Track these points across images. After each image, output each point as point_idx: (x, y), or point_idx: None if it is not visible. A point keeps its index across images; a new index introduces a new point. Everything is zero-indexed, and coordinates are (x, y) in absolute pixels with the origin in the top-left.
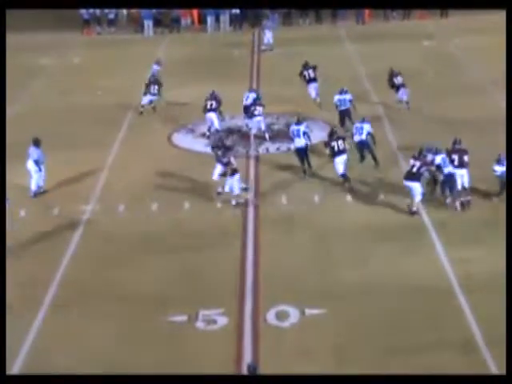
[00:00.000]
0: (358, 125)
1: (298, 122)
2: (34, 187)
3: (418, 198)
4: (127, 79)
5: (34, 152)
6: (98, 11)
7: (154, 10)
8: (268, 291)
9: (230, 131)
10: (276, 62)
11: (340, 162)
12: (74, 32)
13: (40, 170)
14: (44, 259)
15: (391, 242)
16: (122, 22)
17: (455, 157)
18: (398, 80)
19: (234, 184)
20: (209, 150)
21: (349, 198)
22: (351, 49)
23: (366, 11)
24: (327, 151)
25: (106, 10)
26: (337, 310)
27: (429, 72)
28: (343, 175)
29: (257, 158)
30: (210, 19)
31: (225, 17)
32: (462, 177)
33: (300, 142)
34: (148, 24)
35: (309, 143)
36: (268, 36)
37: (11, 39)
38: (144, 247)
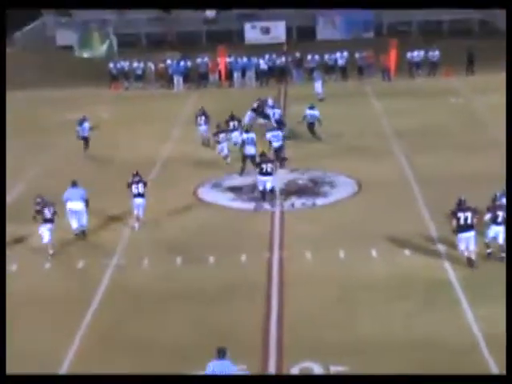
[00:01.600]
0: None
1: (248, 131)
2: (76, 225)
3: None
4: (154, 133)
5: (76, 192)
6: (126, 66)
7: (182, 66)
8: (292, 347)
9: (255, 186)
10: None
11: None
12: (102, 87)
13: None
14: (69, 310)
15: (415, 297)
16: (149, 77)
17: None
18: None
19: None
20: (234, 204)
21: (374, 252)
22: (377, 105)
23: (392, 68)
24: None
25: (135, 65)
26: (361, 367)
27: (456, 128)
28: None
29: (282, 213)
30: (236, 75)
31: (251, 72)
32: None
33: (250, 150)
34: (178, 79)
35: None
36: (317, 86)
37: (42, 94)
38: (167, 301)
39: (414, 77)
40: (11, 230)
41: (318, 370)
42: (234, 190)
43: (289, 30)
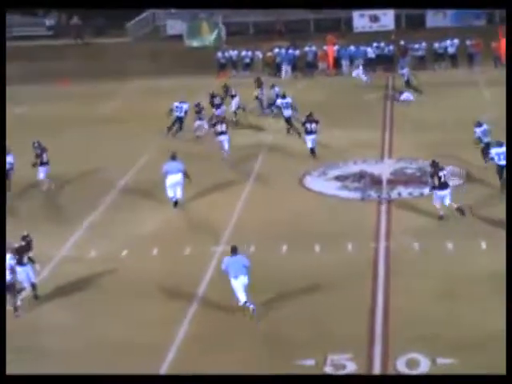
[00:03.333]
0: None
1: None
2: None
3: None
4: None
5: (175, 165)
6: (234, 55)
7: (290, 54)
8: (398, 337)
9: (361, 175)
10: (409, 107)
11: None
12: (209, 76)
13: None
14: (172, 299)
15: None
16: (257, 65)
17: None
18: None
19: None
20: (340, 193)
21: (483, 244)
22: (487, 93)
23: (503, 53)
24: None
25: (243, 54)
26: (469, 360)
27: None
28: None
29: (389, 203)
30: (344, 63)
31: (358, 61)
32: None
33: (287, 113)
34: (286, 68)
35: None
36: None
37: (151, 83)
38: (276, 289)
39: None
40: (122, 216)
41: (424, 361)
42: (340, 178)
43: (398, 18)
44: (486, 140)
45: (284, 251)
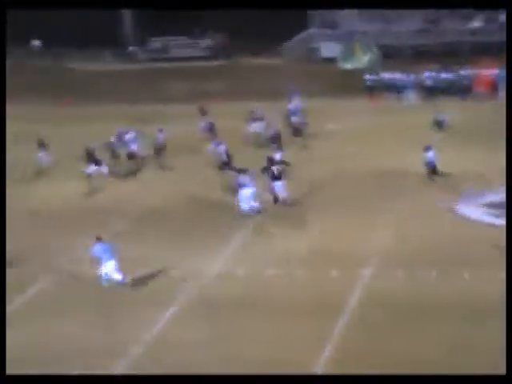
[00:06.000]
0: None
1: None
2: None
3: None
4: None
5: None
6: (386, 78)
7: (442, 78)
8: None
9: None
10: None
11: None
12: (360, 99)
13: None
14: (317, 320)
15: None
16: (408, 88)
17: None
18: None
19: None
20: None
21: None
22: None
23: None
24: None
25: (396, 77)
26: None
27: None
28: None
29: None
30: (500, 87)
31: None
32: None
33: None
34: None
35: None
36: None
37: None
38: (418, 315)
39: None
40: (269, 235)
41: None
42: (494, 206)
43: None
44: None
45: (433, 277)
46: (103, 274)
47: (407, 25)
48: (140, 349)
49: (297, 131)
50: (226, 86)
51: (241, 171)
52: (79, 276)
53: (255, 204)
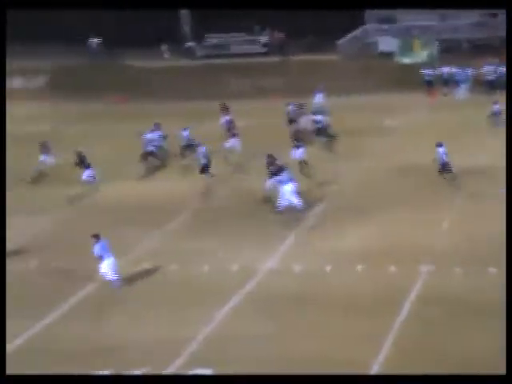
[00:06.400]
0: None
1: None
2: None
3: None
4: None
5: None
6: (444, 73)
7: (501, 72)
8: None
9: None
10: None
11: None
12: (418, 93)
13: None
14: (374, 317)
15: None
16: (469, 83)
17: None
18: None
19: None
20: None
21: None
22: None
23: None
24: None
25: (454, 71)
26: None
27: None
28: None
29: None
30: None
31: None
32: None
33: None
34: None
35: None
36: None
37: (361, 99)
38: (476, 312)
39: None
40: (326, 231)
41: None
42: None
43: None
44: None
45: (492, 275)
46: (103, 273)
47: (464, 19)
48: (200, 344)
49: (320, 130)
50: (283, 83)
51: (281, 168)
52: (141, 272)
53: (296, 200)
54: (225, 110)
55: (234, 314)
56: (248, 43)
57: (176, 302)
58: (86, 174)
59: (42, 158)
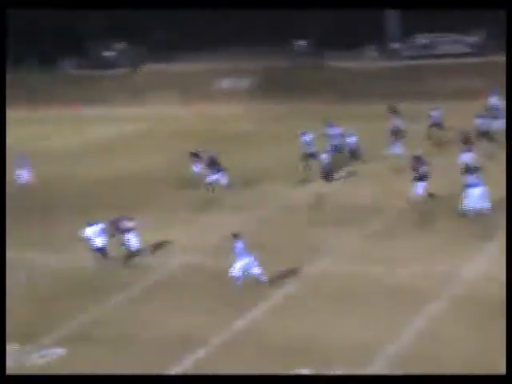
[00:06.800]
0: None
1: None
2: None
3: None
4: None
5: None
6: None
7: None
8: None
9: None
10: None
11: None
12: None
13: None
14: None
15: None
16: None
17: None
18: None
19: None
20: None
21: None
22: None
23: None
24: None
25: None
26: None
27: None
28: None
29: None
30: None
31: None
32: None
33: None
34: None
35: None
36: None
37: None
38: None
39: None
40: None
41: None
42: None
43: None
44: None
45: None
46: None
47: None
48: (397, 347)
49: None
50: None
51: (470, 169)
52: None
53: (484, 204)
54: (394, 112)
55: (439, 317)
56: (456, 43)
57: (375, 302)
58: (215, 177)
59: (194, 168)
